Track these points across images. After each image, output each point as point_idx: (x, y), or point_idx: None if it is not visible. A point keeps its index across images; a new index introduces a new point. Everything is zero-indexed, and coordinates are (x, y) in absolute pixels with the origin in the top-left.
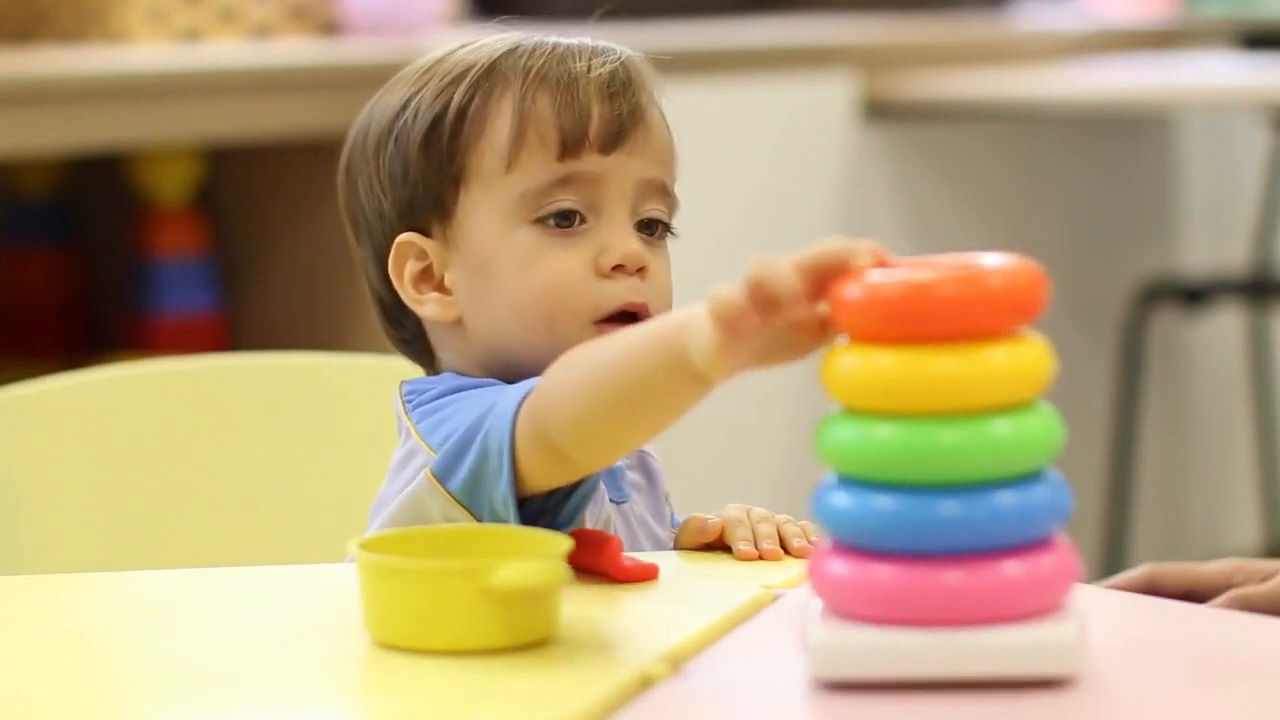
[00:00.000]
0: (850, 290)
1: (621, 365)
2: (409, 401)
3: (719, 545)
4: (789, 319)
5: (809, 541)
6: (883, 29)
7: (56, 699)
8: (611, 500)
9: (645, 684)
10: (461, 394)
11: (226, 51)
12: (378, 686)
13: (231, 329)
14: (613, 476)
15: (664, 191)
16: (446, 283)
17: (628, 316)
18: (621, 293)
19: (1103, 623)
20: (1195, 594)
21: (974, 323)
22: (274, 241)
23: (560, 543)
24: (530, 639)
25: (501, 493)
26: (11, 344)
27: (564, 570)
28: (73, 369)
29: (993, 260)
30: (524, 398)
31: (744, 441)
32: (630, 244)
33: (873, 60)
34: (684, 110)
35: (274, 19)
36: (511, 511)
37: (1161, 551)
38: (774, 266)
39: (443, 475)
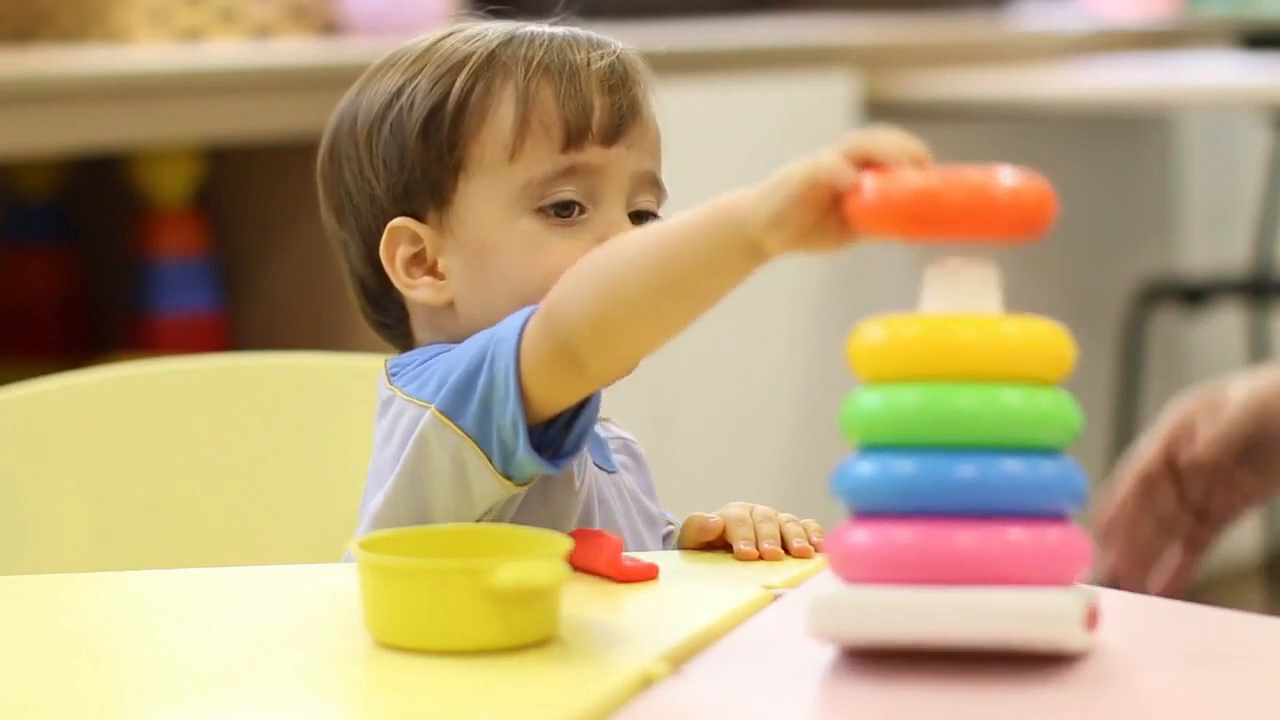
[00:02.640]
0: (863, 191)
1: (663, 243)
2: (394, 375)
3: (720, 544)
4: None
5: (810, 542)
6: (883, 29)
7: (56, 699)
8: (600, 468)
9: (645, 684)
10: (449, 352)
11: (226, 51)
12: (378, 686)
13: (231, 329)
14: (600, 447)
15: (655, 183)
16: (440, 267)
17: None
18: None
19: (1105, 620)
20: (1178, 456)
21: (980, 226)
22: (274, 241)
23: (560, 543)
24: (530, 639)
25: (510, 414)
26: (11, 344)
27: (564, 570)
28: (73, 369)
29: (1004, 172)
30: (529, 317)
31: (745, 440)
32: None
33: (873, 60)
34: (684, 110)
35: (274, 19)
36: (520, 435)
37: None
38: (881, 139)
39: (452, 412)
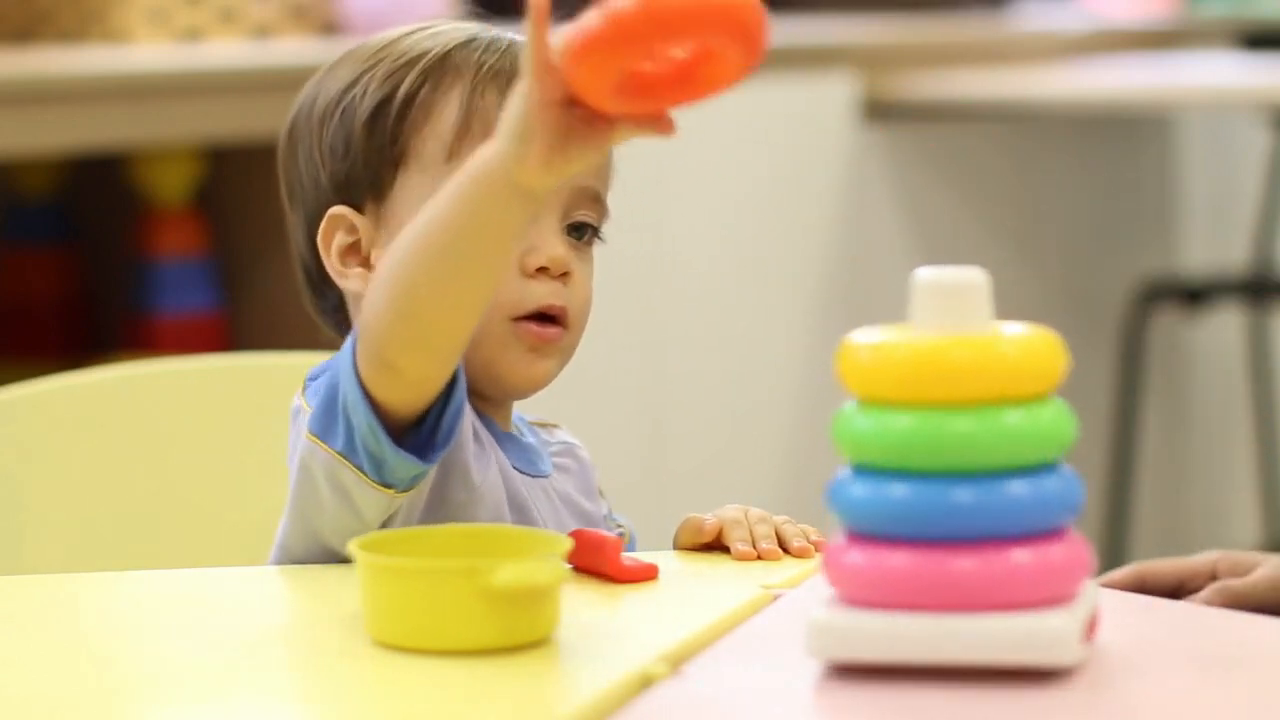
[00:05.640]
0: (581, 27)
1: (431, 219)
2: (308, 384)
3: (717, 545)
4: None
5: (809, 541)
6: (883, 29)
7: (56, 699)
8: (523, 472)
9: (645, 684)
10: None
11: (226, 51)
12: (378, 686)
13: (231, 329)
14: (522, 450)
15: (597, 200)
16: (373, 259)
17: (545, 318)
18: (543, 294)
19: (1106, 622)
20: (1183, 587)
21: (693, 24)
22: (274, 241)
23: (560, 543)
24: (530, 639)
25: (366, 423)
26: (11, 344)
27: (564, 570)
28: (73, 369)
29: None
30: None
31: (744, 442)
32: (557, 249)
33: (873, 60)
34: (684, 110)
35: (274, 19)
36: (383, 441)
37: (1161, 551)
38: None
39: (321, 433)
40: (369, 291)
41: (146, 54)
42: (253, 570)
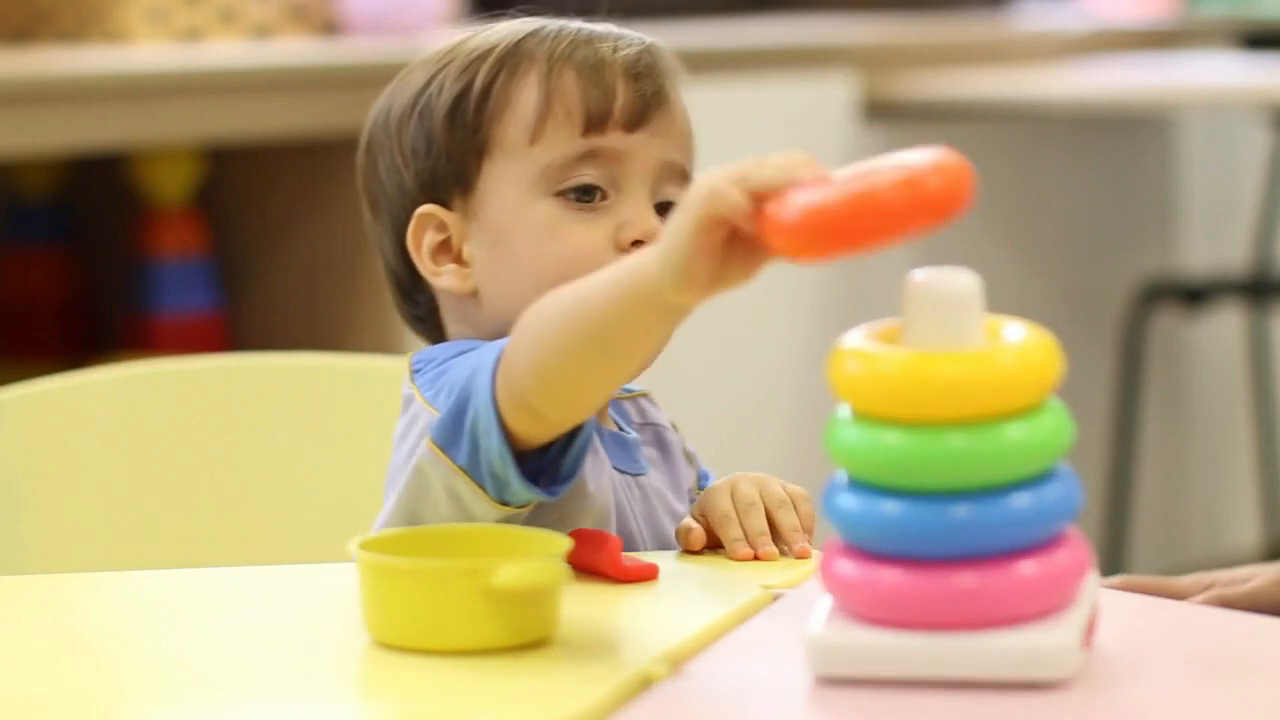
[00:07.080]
0: (788, 205)
1: (584, 308)
2: (417, 371)
3: (715, 543)
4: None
5: (804, 527)
6: (883, 29)
7: (56, 699)
8: (624, 471)
9: (645, 684)
10: (464, 355)
11: (226, 51)
12: (378, 686)
13: (231, 329)
14: (625, 449)
15: (684, 176)
16: (465, 254)
17: None
18: None
19: (1107, 622)
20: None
21: (910, 223)
22: (274, 241)
23: (560, 543)
24: (530, 639)
25: (496, 449)
26: (11, 344)
27: (564, 570)
28: (73, 369)
29: (920, 157)
30: (501, 353)
31: (743, 444)
32: (650, 221)
33: (873, 60)
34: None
35: (274, 19)
36: (510, 468)
37: (1161, 551)
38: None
39: (444, 444)
40: (513, 338)
41: (146, 54)
42: (253, 570)
